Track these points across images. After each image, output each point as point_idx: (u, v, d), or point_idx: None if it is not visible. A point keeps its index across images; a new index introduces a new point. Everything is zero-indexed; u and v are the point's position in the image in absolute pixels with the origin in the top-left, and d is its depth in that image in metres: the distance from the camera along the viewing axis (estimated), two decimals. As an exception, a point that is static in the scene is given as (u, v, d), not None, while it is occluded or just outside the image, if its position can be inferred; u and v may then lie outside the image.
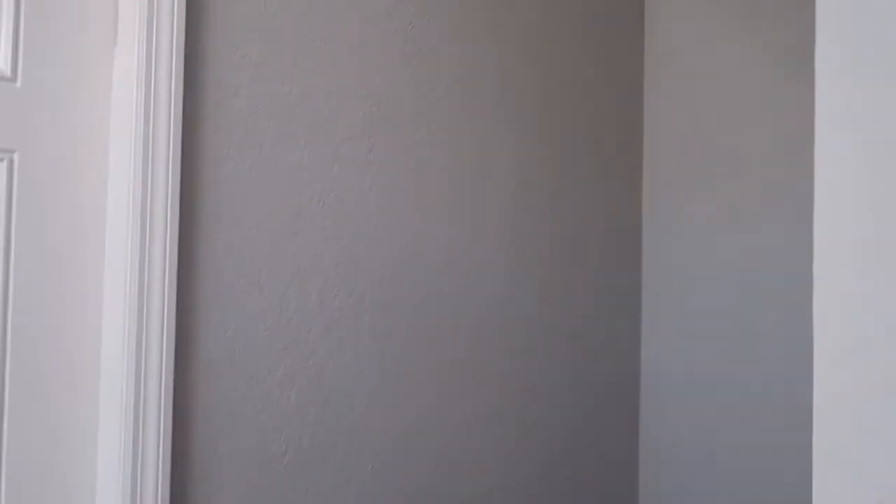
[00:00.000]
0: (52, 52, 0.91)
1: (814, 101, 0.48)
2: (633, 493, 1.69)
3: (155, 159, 0.94)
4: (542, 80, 1.51)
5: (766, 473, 1.52)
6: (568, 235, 1.56)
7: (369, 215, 1.23)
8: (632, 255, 1.71)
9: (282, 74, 1.12)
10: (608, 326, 1.65)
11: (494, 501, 1.41)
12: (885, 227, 0.44)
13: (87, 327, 0.95)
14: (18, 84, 0.89)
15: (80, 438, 0.94)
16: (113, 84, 0.96)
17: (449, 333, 1.34)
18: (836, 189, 0.46)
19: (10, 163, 0.89)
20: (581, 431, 1.58)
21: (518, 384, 1.46)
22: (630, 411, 1.69)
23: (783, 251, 1.50)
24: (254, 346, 1.09)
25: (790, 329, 1.47)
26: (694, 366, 1.63)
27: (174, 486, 0.99)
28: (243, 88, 1.07)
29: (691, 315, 1.64)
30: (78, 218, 0.94)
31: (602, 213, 1.64)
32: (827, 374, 0.46)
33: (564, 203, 1.55)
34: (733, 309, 1.58)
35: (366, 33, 1.22)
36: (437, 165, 1.32)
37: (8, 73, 0.88)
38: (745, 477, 1.55)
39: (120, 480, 0.92)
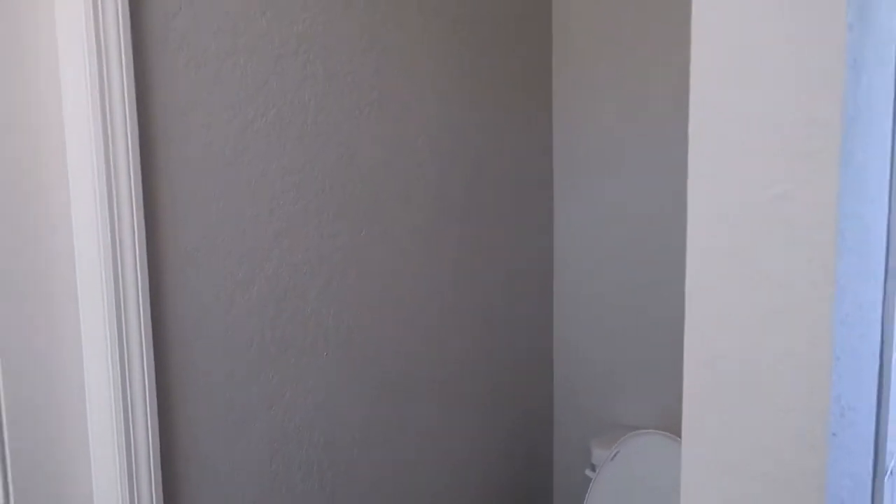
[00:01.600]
0: None
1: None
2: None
3: (110, 80, 0.99)
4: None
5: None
6: (489, 123, 1.71)
7: (308, 126, 1.32)
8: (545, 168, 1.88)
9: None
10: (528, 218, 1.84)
11: (451, 380, 1.62)
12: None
13: (58, 241, 1.03)
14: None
15: (68, 373, 1.04)
16: (56, 5, 0.99)
17: (390, 225, 1.48)
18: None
19: (-30, 91, 0.92)
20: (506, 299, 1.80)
21: (458, 259, 1.63)
22: (546, 292, 1.93)
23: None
24: (215, 254, 1.19)
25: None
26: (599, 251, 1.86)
27: (159, 378, 1.11)
28: (184, 7, 1.11)
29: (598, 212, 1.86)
30: (39, 156, 0.99)
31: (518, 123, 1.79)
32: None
33: (483, 100, 1.69)
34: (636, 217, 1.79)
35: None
36: (366, 77, 1.41)
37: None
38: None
39: (109, 377, 1.04)
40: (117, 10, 0.99)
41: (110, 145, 1.00)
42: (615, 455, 1.67)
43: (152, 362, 1.07)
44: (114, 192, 1.01)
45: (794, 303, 0.61)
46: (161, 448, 1.12)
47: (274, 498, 1.31)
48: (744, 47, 0.61)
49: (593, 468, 1.74)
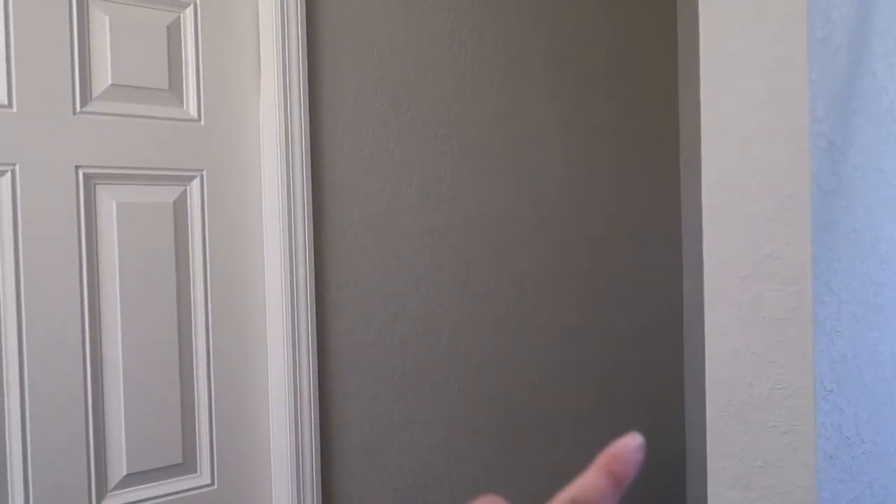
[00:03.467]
0: (221, 99, 1.33)
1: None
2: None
3: (293, 167, 1.34)
4: (580, 62, 1.82)
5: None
6: (612, 178, 1.88)
7: (444, 192, 1.60)
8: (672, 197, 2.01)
9: (374, 93, 1.49)
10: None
11: (579, 415, 1.79)
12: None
13: (256, 308, 1.38)
14: (202, 123, 1.31)
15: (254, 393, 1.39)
16: (261, 117, 1.36)
17: (511, 279, 1.70)
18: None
19: (202, 178, 1.31)
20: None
21: (584, 299, 1.81)
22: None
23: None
24: (367, 297, 1.49)
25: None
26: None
27: (322, 394, 1.42)
28: (348, 108, 1.46)
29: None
30: (245, 222, 1.36)
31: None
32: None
33: (607, 158, 1.87)
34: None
35: (433, 53, 1.57)
36: (495, 149, 1.67)
37: (196, 116, 1.30)
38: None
39: (284, 400, 1.36)
40: (300, 115, 1.34)
41: (292, 217, 1.34)
42: None
43: (316, 383, 1.38)
44: (292, 245, 1.35)
45: (783, 344, 0.75)
46: (322, 454, 1.41)
47: (410, 505, 1.56)
48: (737, 141, 0.77)
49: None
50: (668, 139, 2.03)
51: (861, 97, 0.77)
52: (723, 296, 0.80)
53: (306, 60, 1.36)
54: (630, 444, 0.24)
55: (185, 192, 1.30)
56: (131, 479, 1.27)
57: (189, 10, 1.30)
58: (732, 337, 0.79)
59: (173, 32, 1.29)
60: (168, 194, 1.29)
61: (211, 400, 1.35)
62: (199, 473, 1.36)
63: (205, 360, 1.34)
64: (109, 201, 1.23)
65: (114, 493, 1.26)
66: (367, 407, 1.50)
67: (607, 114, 1.89)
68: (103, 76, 1.22)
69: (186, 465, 1.34)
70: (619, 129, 1.91)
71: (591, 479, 0.24)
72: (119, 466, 1.26)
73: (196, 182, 1.31)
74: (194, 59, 1.30)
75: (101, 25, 1.21)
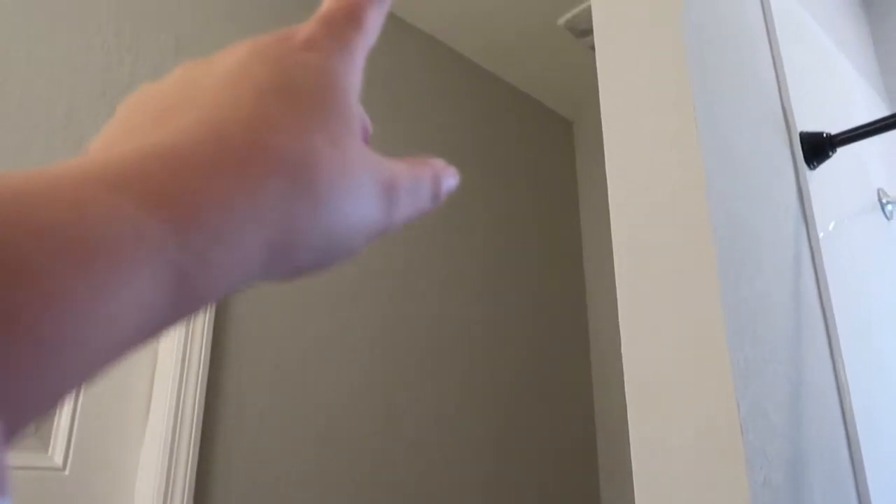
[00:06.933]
0: (94, 447, 1.18)
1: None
2: None
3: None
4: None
5: None
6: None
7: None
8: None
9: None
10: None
11: None
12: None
13: None
14: (66, 472, 1.13)
15: None
16: (140, 470, 1.20)
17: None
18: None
19: (53, 544, 1.07)
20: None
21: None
22: None
23: None
24: None
25: None
26: None
27: None
28: (242, 473, 1.32)
29: None
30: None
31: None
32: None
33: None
34: None
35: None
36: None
37: (60, 465, 1.13)
38: None
39: None
40: (188, 466, 1.19)
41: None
42: None
43: None
44: None
45: None
46: None
47: None
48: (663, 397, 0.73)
49: None
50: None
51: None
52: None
53: (203, 407, 1.27)
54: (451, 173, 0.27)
55: (25, 560, 1.05)
56: None
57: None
58: None
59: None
60: (1, 565, 1.02)
61: None
62: None
63: None
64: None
65: None
66: None
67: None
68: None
69: None
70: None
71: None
72: None
73: (45, 550, 1.06)
74: (71, 400, 1.19)
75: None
